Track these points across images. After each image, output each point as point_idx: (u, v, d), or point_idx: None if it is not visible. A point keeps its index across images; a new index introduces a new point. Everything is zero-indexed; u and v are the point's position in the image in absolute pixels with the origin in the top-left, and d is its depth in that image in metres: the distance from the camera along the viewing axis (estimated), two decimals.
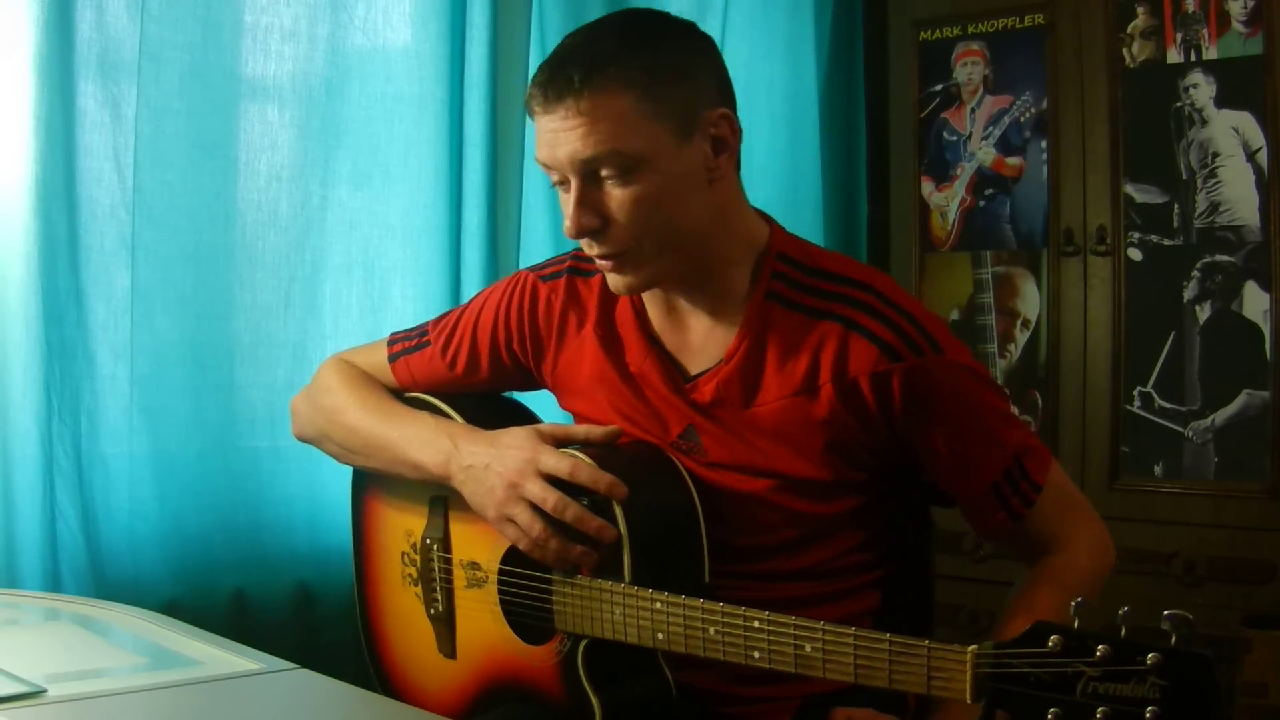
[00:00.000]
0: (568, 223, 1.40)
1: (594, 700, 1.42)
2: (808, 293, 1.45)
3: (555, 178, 1.42)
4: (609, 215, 1.39)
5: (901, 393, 1.40)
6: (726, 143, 1.43)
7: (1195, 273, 2.64)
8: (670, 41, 1.42)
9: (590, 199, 1.39)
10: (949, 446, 1.43)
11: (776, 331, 1.45)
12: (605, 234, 1.40)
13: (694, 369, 1.50)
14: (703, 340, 1.50)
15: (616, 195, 1.38)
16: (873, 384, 1.40)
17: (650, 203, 1.38)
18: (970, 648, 1.15)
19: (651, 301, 1.53)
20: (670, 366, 1.51)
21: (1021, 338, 2.85)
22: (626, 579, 1.39)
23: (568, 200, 1.41)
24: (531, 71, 2.38)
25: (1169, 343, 2.66)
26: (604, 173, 1.37)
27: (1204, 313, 2.63)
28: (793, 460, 1.44)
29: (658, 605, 1.36)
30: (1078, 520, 1.50)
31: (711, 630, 1.32)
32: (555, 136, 1.37)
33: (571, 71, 1.35)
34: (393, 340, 1.73)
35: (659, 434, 1.51)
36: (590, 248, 1.43)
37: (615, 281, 1.45)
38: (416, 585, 1.64)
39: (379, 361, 1.72)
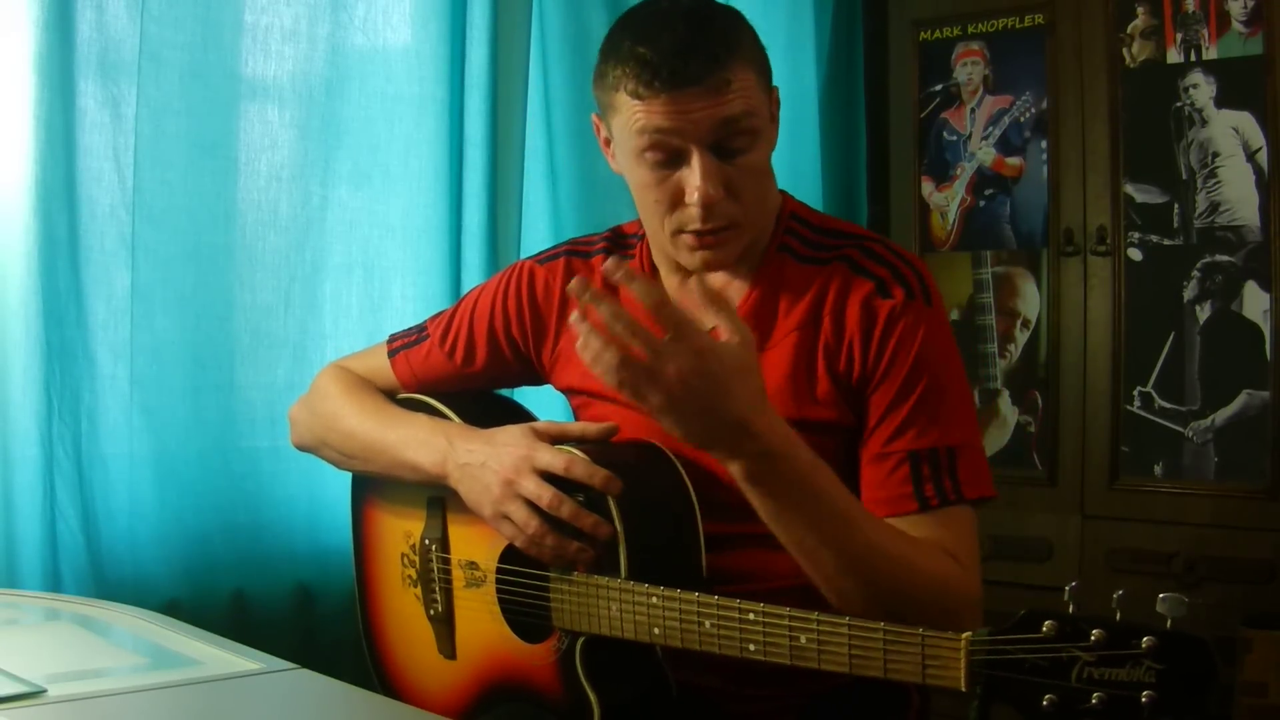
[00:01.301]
0: (696, 194, 1.41)
1: (592, 697, 1.42)
2: (817, 247, 1.52)
3: (658, 156, 1.42)
4: (728, 184, 1.42)
5: (884, 326, 1.43)
6: (775, 118, 1.50)
7: (1195, 273, 2.64)
8: (746, 21, 1.48)
9: (717, 170, 1.41)
10: (896, 392, 1.42)
11: (788, 280, 1.50)
12: (721, 205, 1.43)
13: (705, 326, 1.51)
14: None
15: (741, 164, 1.43)
16: (861, 310, 1.44)
17: (760, 171, 1.46)
18: (964, 634, 1.14)
19: (665, 269, 1.56)
20: None
21: (1021, 338, 2.85)
22: (623, 574, 1.39)
23: (661, 174, 1.42)
24: (533, 71, 2.40)
25: (1169, 343, 2.66)
26: (733, 144, 1.41)
27: (1204, 313, 2.63)
28: (801, 404, 1.45)
29: (654, 600, 1.36)
30: (972, 559, 1.39)
31: (707, 624, 1.32)
32: (691, 106, 1.38)
33: (715, 45, 1.39)
34: (392, 339, 1.74)
35: None
36: (704, 221, 1.43)
37: (710, 257, 1.46)
38: (416, 586, 1.64)
39: (377, 364, 1.72)
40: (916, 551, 1.35)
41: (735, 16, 1.47)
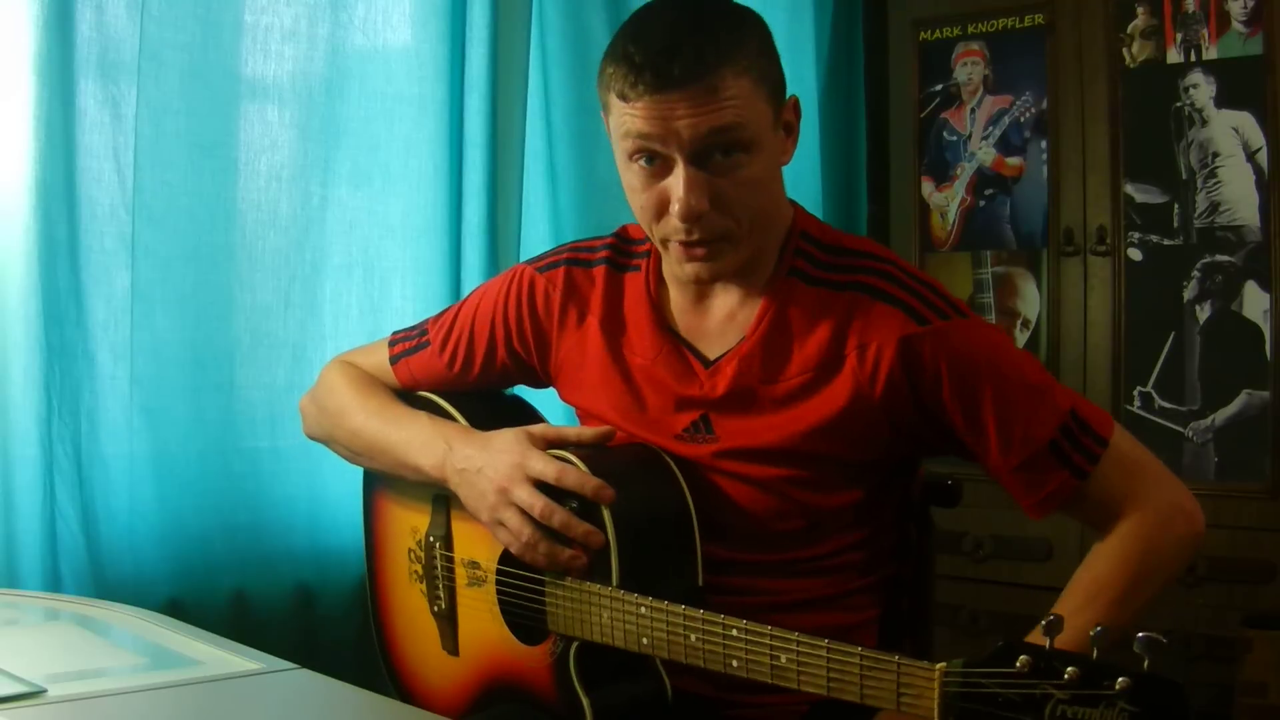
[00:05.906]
0: (677, 205, 1.36)
1: (585, 702, 1.42)
2: (828, 269, 1.46)
3: (644, 161, 1.38)
4: (716, 197, 1.38)
5: (932, 359, 1.38)
6: (793, 128, 1.47)
7: (1195, 273, 2.64)
8: (761, 27, 1.43)
9: (700, 181, 1.37)
10: (995, 409, 1.38)
11: (799, 307, 1.45)
12: (707, 218, 1.38)
13: (714, 353, 1.49)
14: (723, 324, 1.49)
15: (730, 176, 1.37)
16: (901, 350, 1.39)
17: (757, 184, 1.40)
18: (939, 665, 1.13)
19: (674, 287, 1.52)
20: (686, 354, 1.50)
21: (1021, 338, 2.85)
22: (614, 582, 1.39)
23: (648, 180, 1.38)
24: (533, 71, 2.40)
25: (1169, 343, 2.66)
26: (719, 154, 1.36)
27: (1204, 313, 2.63)
28: (810, 441, 1.42)
29: (643, 610, 1.35)
30: (1149, 482, 1.41)
31: (693, 637, 1.31)
32: (673, 113, 1.34)
33: (703, 50, 1.33)
34: (393, 341, 1.73)
35: (666, 426, 1.50)
36: (689, 233, 1.39)
37: (701, 269, 1.42)
38: (421, 582, 1.65)
39: (381, 362, 1.72)
40: (1143, 547, 1.37)
41: (742, 20, 1.40)
